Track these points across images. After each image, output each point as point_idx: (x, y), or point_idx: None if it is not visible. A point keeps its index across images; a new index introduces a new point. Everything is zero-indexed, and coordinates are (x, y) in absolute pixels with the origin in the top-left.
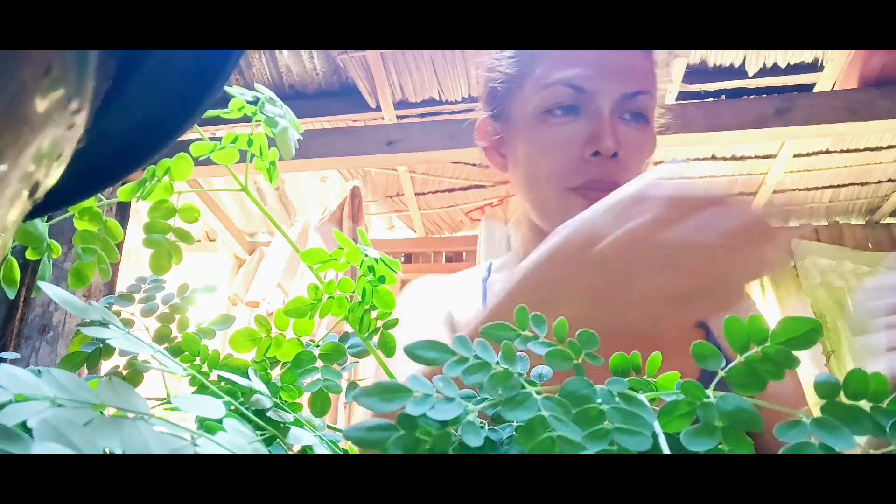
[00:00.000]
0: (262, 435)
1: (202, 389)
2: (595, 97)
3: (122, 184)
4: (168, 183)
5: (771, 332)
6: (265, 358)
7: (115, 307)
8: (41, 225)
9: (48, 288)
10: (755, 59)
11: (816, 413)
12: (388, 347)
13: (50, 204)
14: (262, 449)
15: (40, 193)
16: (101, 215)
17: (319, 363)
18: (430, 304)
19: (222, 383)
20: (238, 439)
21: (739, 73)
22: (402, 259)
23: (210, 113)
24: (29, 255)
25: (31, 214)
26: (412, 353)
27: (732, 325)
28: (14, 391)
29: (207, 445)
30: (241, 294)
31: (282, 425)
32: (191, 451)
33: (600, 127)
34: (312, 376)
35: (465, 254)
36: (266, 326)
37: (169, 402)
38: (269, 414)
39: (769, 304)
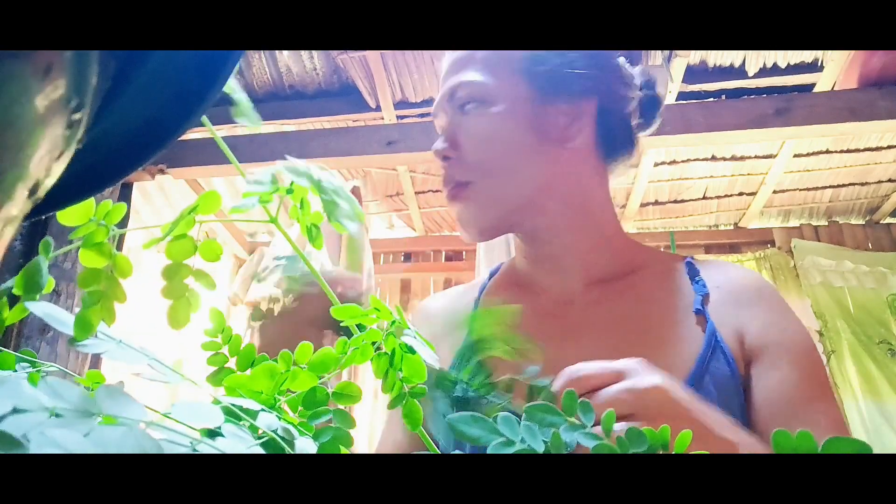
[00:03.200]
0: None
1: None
2: (440, 102)
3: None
4: (191, 217)
5: None
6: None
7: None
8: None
9: (35, 307)
10: (755, 59)
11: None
12: (413, 419)
13: (50, 204)
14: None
15: (40, 193)
16: (111, 250)
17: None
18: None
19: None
20: (237, 444)
21: (739, 73)
22: (403, 258)
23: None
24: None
25: (31, 214)
26: (455, 428)
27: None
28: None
29: (207, 451)
30: (241, 294)
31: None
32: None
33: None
34: (324, 418)
35: (464, 252)
36: (288, 361)
37: (169, 416)
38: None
39: None
